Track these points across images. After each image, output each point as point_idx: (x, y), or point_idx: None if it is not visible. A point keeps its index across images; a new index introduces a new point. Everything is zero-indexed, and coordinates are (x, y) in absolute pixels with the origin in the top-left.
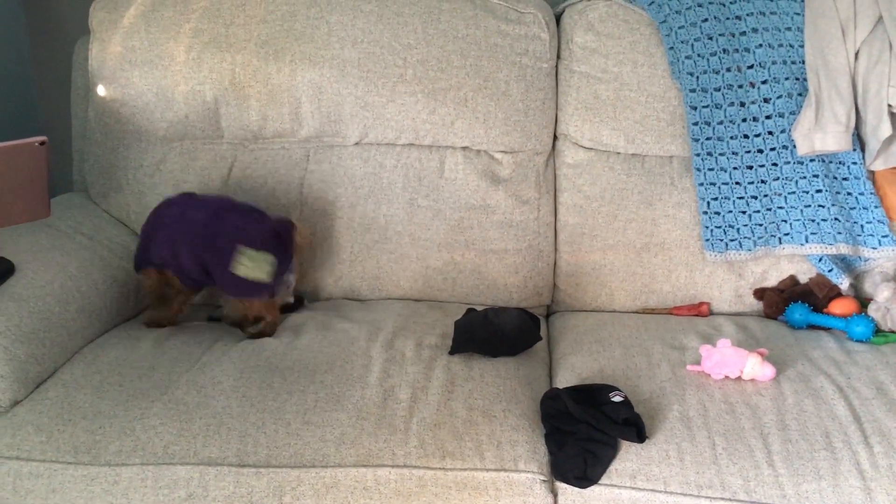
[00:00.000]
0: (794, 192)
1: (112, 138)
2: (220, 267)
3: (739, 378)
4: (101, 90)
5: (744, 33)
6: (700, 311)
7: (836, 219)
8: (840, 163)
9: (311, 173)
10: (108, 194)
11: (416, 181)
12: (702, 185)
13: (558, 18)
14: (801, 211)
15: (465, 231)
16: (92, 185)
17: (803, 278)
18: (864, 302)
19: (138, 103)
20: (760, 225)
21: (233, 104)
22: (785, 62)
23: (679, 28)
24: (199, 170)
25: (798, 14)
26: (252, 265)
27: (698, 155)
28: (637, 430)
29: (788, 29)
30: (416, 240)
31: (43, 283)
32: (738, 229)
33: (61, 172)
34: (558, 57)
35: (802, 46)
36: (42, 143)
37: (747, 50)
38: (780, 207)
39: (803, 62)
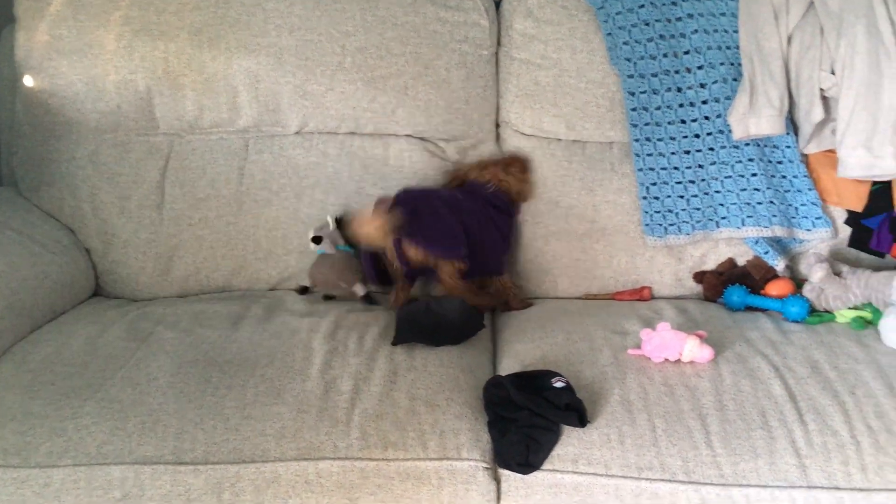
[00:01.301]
0: (730, 177)
1: (42, 130)
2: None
3: (679, 361)
4: (28, 81)
5: (679, 19)
6: (642, 295)
7: (771, 202)
8: (774, 147)
9: (251, 163)
10: (40, 188)
11: (362, 169)
12: (641, 170)
13: (498, 5)
14: (738, 195)
15: None
16: (22, 179)
17: (741, 261)
18: (799, 283)
19: (68, 94)
20: (698, 209)
21: (167, 94)
22: (720, 47)
23: (616, 14)
24: (135, 162)
25: None
26: None
27: (637, 140)
28: (578, 415)
29: (723, 14)
30: None
31: None
32: (676, 213)
33: None
34: (499, 44)
35: (737, 31)
36: None
37: (683, 35)
38: (717, 191)
39: (738, 47)
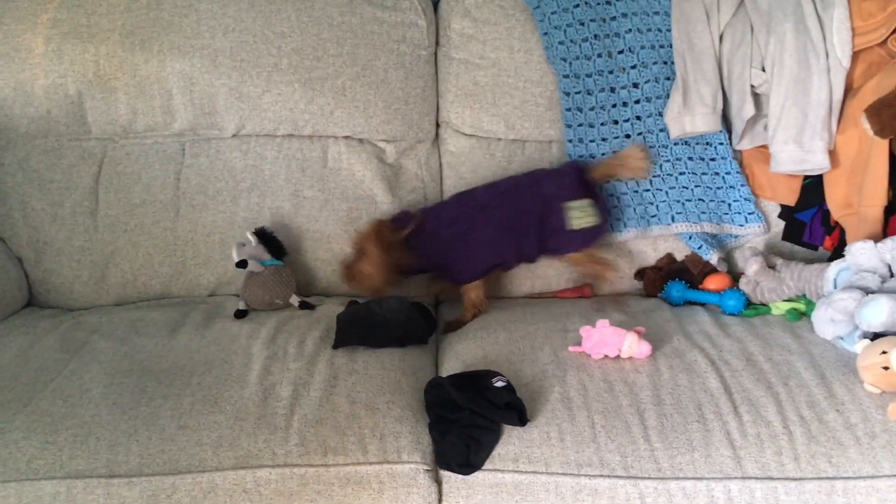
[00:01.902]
0: (658, 175)
1: None
2: (556, 231)
3: (618, 357)
4: None
5: (614, 18)
6: (583, 292)
7: (700, 199)
8: (707, 144)
9: (187, 167)
10: None
11: (300, 172)
12: None
13: (436, 5)
14: (667, 192)
15: (354, 222)
16: None
17: (679, 256)
18: (736, 277)
19: None
20: (630, 207)
21: (98, 98)
22: (653, 46)
23: (552, 13)
24: (67, 168)
25: None
26: (582, 214)
27: (570, 141)
28: (518, 414)
29: (656, 13)
30: (303, 232)
31: None
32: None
33: None
34: (437, 44)
35: (670, 30)
36: None
37: (617, 35)
38: (647, 190)
39: (671, 46)
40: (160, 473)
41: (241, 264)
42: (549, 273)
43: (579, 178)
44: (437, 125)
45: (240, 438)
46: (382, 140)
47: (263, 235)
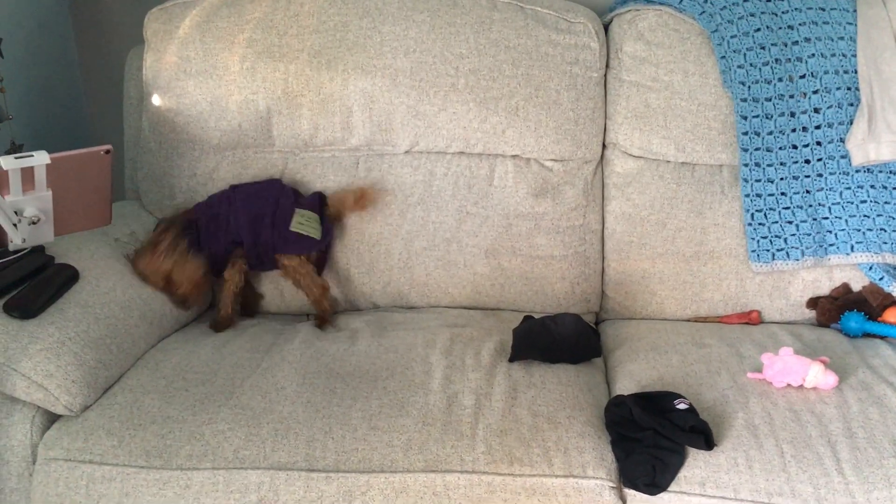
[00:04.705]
0: (838, 203)
1: (166, 147)
2: (279, 227)
3: (801, 386)
4: (155, 100)
5: (796, 43)
6: (750, 318)
7: (882, 229)
8: (891, 172)
9: (360, 180)
10: (162, 202)
11: (466, 189)
12: (748, 196)
13: (606, 28)
14: (847, 221)
15: (513, 238)
16: (145, 194)
17: (856, 286)
18: None
19: (193, 112)
20: (808, 234)
21: (285, 113)
22: (837, 72)
23: (731, 37)
24: (251, 178)
25: (850, 24)
26: (304, 222)
27: (746, 165)
28: (705, 438)
29: (841, 38)
30: (464, 247)
31: (106, 290)
32: (785, 239)
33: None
34: (607, 66)
35: (855, 56)
36: (107, 152)
37: (799, 59)
38: (825, 218)
39: (855, 72)
40: (355, 471)
41: None
42: (715, 297)
43: (321, 201)
44: (604, 146)
45: (428, 443)
46: (550, 160)
47: None
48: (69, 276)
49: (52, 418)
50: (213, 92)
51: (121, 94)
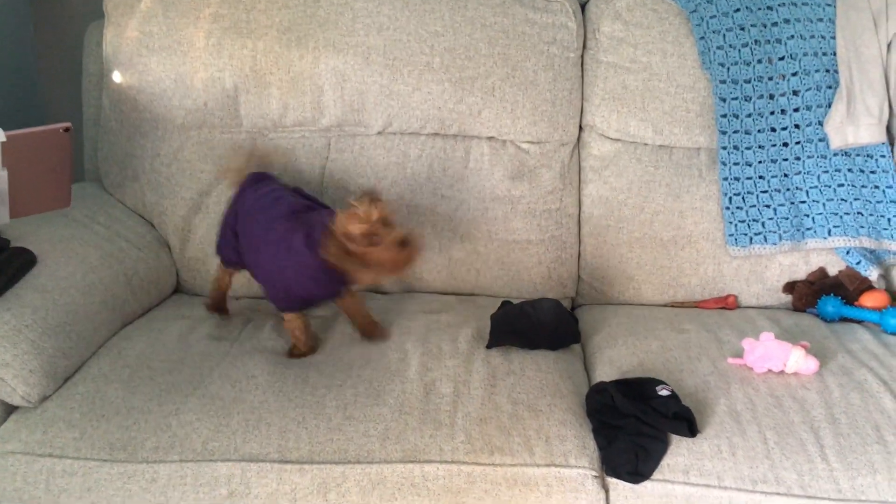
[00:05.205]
0: (815, 187)
1: (128, 126)
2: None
3: (782, 372)
4: (116, 76)
5: (775, 24)
6: (727, 303)
7: (859, 212)
8: (868, 156)
9: (332, 162)
10: (124, 184)
11: (441, 171)
12: (726, 179)
13: (583, 7)
14: (824, 204)
15: (489, 222)
16: (106, 175)
17: (832, 271)
18: (894, 294)
19: (156, 90)
20: (785, 218)
21: (253, 92)
22: (816, 54)
23: (710, 18)
24: (217, 159)
25: (830, 5)
26: None
27: (724, 148)
28: (688, 425)
29: (820, 20)
30: (439, 231)
31: (66, 275)
32: (762, 223)
33: None
34: (584, 46)
35: (834, 38)
36: (66, 130)
37: (779, 41)
38: (803, 201)
39: (835, 54)
40: (330, 462)
41: None
42: (692, 282)
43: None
44: (580, 128)
45: (405, 432)
46: (527, 142)
47: None
48: (26, 261)
49: (8, 410)
50: (178, 69)
51: (79, 70)
